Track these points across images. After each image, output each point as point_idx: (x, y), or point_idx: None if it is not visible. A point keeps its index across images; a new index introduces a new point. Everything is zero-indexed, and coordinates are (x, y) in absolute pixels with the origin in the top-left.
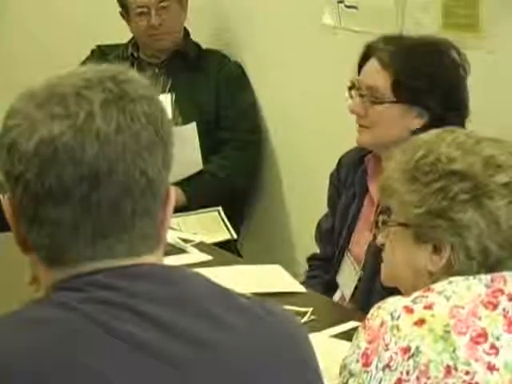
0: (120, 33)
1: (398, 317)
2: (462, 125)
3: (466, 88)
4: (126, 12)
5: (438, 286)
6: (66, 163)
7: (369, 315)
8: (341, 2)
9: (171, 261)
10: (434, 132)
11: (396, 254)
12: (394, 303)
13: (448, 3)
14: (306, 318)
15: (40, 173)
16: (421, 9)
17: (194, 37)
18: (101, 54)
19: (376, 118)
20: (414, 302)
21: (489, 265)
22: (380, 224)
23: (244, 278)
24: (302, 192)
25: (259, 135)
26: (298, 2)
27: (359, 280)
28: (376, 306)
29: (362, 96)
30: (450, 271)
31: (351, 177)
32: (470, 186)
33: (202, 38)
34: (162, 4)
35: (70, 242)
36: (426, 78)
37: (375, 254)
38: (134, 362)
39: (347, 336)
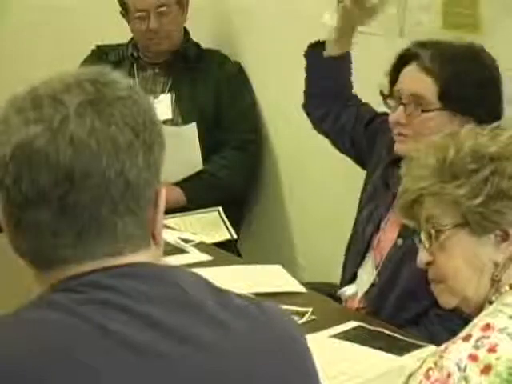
0: (120, 33)
1: (465, 367)
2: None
3: (501, 89)
4: (126, 12)
5: (498, 323)
6: (41, 167)
7: (431, 364)
8: (341, 2)
9: (171, 261)
10: (445, 133)
11: (454, 260)
12: (457, 352)
13: (448, 3)
14: (305, 318)
15: (17, 178)
16: (421, 9)
17: (193, 37)
18: (101, 53)
19: (421, 126)
20: (476, 346)
21: None
22: (432, 236)
23: (244, 278)
24: (301, 192)
25: (259, 135)
26: (298, 2)
27: (372, 285)
28: (436, 353)
29: (403, 105)
30: None
31: (384, 159)
32: None
33: (202, 38)
34: (161, 9)
35: (51, 245)
36: (474, 87)
37: (396, 263)
38: (129, 362)
39: (347, 336)
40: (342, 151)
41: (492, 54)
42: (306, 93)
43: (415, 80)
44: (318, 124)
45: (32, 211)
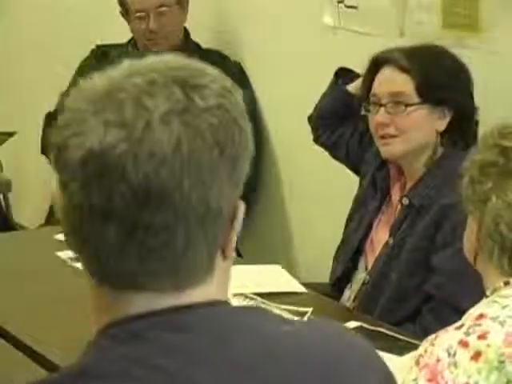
0: (120, 33)
1: (455, 353)
2: (476, 113)
3: (468, 74)
4: (125, 12)
5: (491, 312)
6: (116, 180)
7: (421, 351)
8: (341, 2)
9: None
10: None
11: None
12: (448, 339)
13: (448, 3)
14: (305, 318)
15: (85, 186)
16: (421, 9)
17: (193, 37)
18: (101, 53)
19: (404, 123)
20: (467, 333)
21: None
22: None
23: (244, 278)
24: (301, 192)
25: (259, 135)
26: (298, 2)
27: (363, 283)
28: (428, 340)
29: (383, 106)
30: None
31: (373, 166)
32: None
33: (202, 38)
34: (161, 9)
35: (112, 263)
36: (446, 74)
37: (388, 262)
38: None
39: None
40: (340, 161)
41: (491, 54)
42: (319, 110)
43: (392, 80)
44: (320, 139)
45: (96, 224)
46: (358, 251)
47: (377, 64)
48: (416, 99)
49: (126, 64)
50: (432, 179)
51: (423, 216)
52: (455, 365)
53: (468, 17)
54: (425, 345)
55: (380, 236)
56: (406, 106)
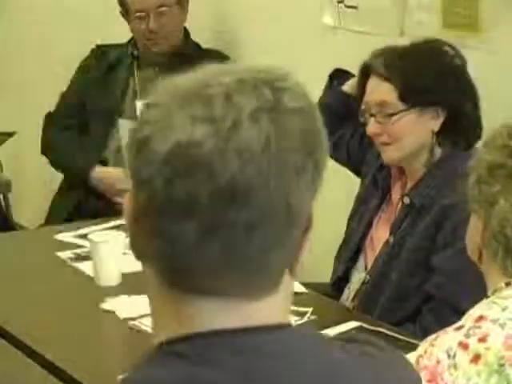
0: (120, 33)
1: (455, 355)
2: (477, 112)
3: (470, 75)
4: (125, 12)
5: (491, 314)
6: (201, 175)
7: (420, 351)
8: (341, 2)
9: None
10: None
11: None
12: (447, 340)
13: (448, 3)
14: (305, 318)
15: (170, 181)
16: (421, 9)
17: (194, 37)
18: (101, 53)
19: (394, 131)
20: (467, 335)
21: None
22: None
23: None
24: None
25: None
26: (298, 2)
27: (363, 283)
28: (427, 341)
29: (373, 116)
30: None
31: (374, 166)
32: None
33: (202, 38)
34: (161, 9)
35: (190, 264)
36: (433, 76)
37: (388, 260)
38: None
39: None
40: (340, 163)
41: (491, 54)
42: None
43: (376, 89)
44: None
45: (177, 221)
46: (359, 250)
47: (365, 71)
48: (401, 106)
49: (210, 66)
50: (433, 179)
51: (424, 216)
52: (455, 367)
53: (468, 17)
54: (424, 345)
55: (380, 234)
56: (391, 115)
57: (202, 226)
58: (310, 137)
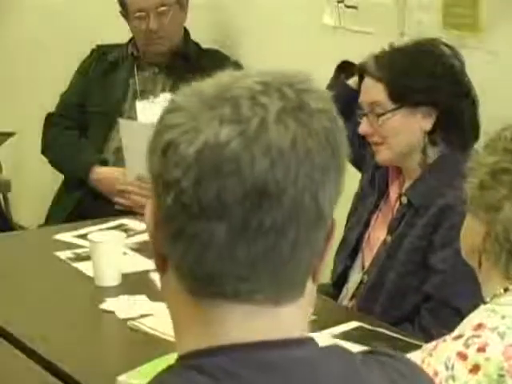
0: (120, 33)
1: (453, 366)
2: (474, 112)
3: (467, 75)
4: (125, 12)
5: (490, 322)
6: (230, 176)
7: (418, 361)
8: (341, 2)
9: None
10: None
11: None
12: (446, 350)
13: (448, 3)
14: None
15: (198, 182)
16: (421, 9)
17: (194, 37)
18: (101, 53)
19: (384, 130)
20: (466, 345)
21: None
22: None
23: None
24: None
25: None
26: (298, 1)
27: (360, 282)
28: (425, 350)
29: (366, 115)
30: None
31: (372, 164)
32: None
33: (202, 38)
34: (160, 9)
35: (218, 267)
36: (424, 76)
37: (386, 260)
38: None
39: (347, 336)
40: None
41: (491, 54)
42: None
43: (369, 90)
44: None
45: (204, 223)
46: (357, 249)
47: (360, 72)
48: (390, 106)
49: (229, 72)
50: (431, 179)
51: (422, 216)
52: (453, 378)
53: (468, 17)
54: (422, 355)
55: (377, 233)
56: (380, 115)
57: (231, 227)
58: (333, 138)
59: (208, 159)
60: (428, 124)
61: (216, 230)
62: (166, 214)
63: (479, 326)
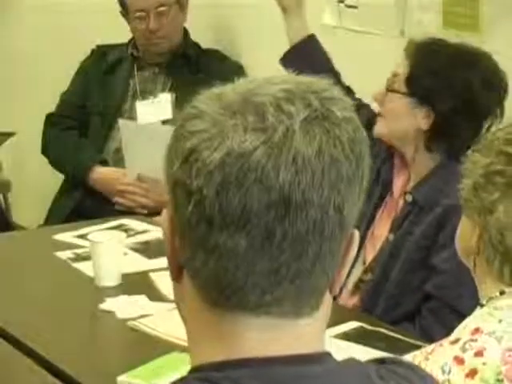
0: (120, 33)
1: (449, 371)
2: (474, 132)
3: (487, 97)
4: (125, 12)
5: (487, 326)
6: (254, 185)
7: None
8: (341, 2)
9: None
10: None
11: None
12: (442, 354)
13: (448, 3)
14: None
15: (221, 191)
16: (421, 8)
17: (193, 37)
18: (101, 53)
19: (388, 107)
20: (463, 349)
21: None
22: None
23: None
24: None
25: None
26: None
27: (361, 280)
28: (422, 353)
29: (386, 85)
30: None
31: (379, 158)
32: None
33: (202, 38)
34: (160, 9)
35: (241, 278)
36: (439, 79)
37: (388, 258)
38: None
39: (347, 336)
40: None
41: (491, 54)
42: None
43: (400, 62)
44: None
45: (226, 233)
46: (360, 244)
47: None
48: (403, 89)
49: (253, 78)
50: (436, 179)
51: (426, 215)
52: (449, 382)
53: (468, 17)
54: (419, 357)
55: (381, 229)
56: (390, 90)
57: (255, 238)
58: (357, 148)
59: (232, 167)
60: (425, 125)
61: (238, 240)
62: (185, 223)
63: (476, 330)
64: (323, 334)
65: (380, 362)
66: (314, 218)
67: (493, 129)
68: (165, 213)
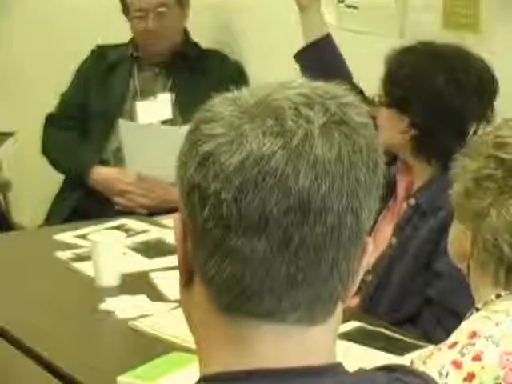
0: (120, 33)
1: (447, 374)
2: (458, 140)
3: (467, 98)
4: (126, 11)
5: (485, 330)
6: (273, 190)
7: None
8: (341, 2)
9: (171, 260)
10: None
11: None
12: (440, 358)
13: (448, 3)
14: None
15: (239, 195)
16: (421, 8)
17: (194, 37)
18: (101, 53)
19: (378, 118)
20: (461, 353)
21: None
22: None
23: None
24: None
25: None
26: None
27: (362, 281)
28: (421, 357)
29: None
30: None
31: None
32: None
33: (202, 38)
34: (160, 9)
35: (257, 284)
36: (409, 86)
37: (390, 262)
38: None
39: (347, 336)
40: None
41: (491, 54)
42: None
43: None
44: None
45: (243, 237)
46: None
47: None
48: (383, 99)
49: (269, 83)
50: (440, 183)
51: (429, 219)
52: None
53: (468, 17)
54: (417, 362)
55: (384, 232)
56: (378, 104)
57: (272, 243)
58: (373, 153)
59: (250, 171)
60: (407, 135)
61: (255, 245)
62: (200, 227)
63: (474, 334)
64: (335, 344)
65: (391, 369)
66: (332, 223)
67: (479, 132)
68: (177, 217)
